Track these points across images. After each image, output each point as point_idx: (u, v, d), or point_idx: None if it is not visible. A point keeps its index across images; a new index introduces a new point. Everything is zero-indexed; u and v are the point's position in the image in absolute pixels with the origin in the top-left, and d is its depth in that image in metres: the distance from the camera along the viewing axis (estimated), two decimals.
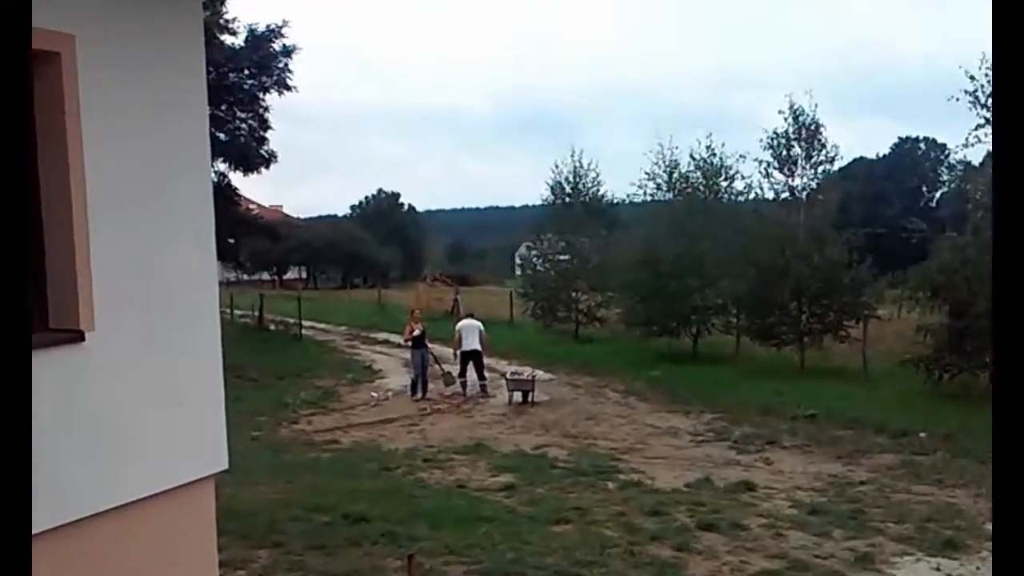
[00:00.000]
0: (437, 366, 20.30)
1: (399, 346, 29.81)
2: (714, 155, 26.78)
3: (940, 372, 18.45)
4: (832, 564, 8.37)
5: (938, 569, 8.34)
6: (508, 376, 18.92)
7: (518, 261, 44.69)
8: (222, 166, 29.22)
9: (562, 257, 31.27)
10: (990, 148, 19.24)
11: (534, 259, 32.96)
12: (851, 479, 11.90)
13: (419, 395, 19.14)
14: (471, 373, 19.65)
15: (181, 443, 5.56)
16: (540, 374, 19.86)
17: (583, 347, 27.27)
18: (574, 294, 30.28)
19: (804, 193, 23.05)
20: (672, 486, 11.38)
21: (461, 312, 37.25)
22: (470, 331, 19.90)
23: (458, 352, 19.89)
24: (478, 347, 19.69)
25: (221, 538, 6.84)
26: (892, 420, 15.37)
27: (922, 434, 14.39)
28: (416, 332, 19.76)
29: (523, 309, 31.74)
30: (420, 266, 70.35)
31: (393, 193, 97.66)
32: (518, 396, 18.49)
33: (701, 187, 26.89)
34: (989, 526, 9.65)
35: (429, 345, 20.21)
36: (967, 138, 18.74)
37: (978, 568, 8.36)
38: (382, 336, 32.91)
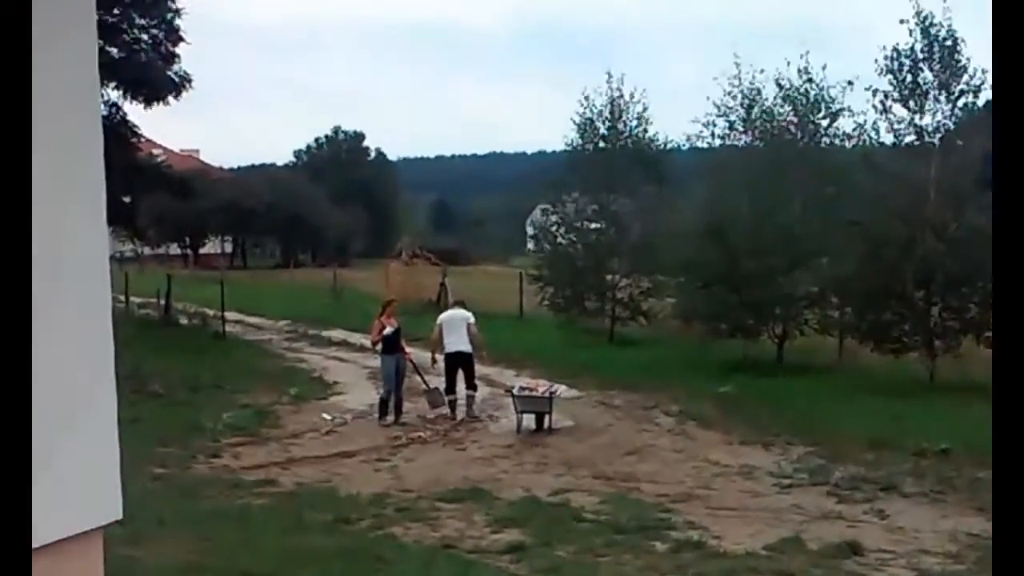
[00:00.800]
0: (418, 378, 20.38)
1: (364, 349, 29.95)
2: (810, 81, 26.23)
3: None
4: None
5: None
6: (516, 392, 18.99)
7: (531, 231, 44.82)
8: (114, 93, 29.15)
9: (593, 225, 31.42)
10: None
11: (553, 228, 33.05)
12: None
13: (391, 418, 19.28)
14: (461, 386, 19.82)
15: (55, 485, 5.55)
16: (561, 389, 19.94)
17: (622, 352, 27.38)
18: (610, 278, 30.49)
19: (937, 136, 22.89)
20: (747, 548, 11.39)
21: (450, 301, 37.48)
22: (455, 325, 20.11)
23: (438, 356, 20.17)
24: (467, 347, 19.88)
25: None
26: None
27: None
28: (388, 331, 19.83)
29: (538, 298, 31.88)
30: (392, 237, 70.67)
31: (355, 134, 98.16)
32: (530, 420, 18.62)
33: (791, 127, 26.57)
34: None
35: (407, 349, 20.29)
36: None
37: None
38: (338, 335, 33.05)
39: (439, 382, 20.18)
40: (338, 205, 79.12)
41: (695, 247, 25.31)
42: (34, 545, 5.30)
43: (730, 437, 17.97)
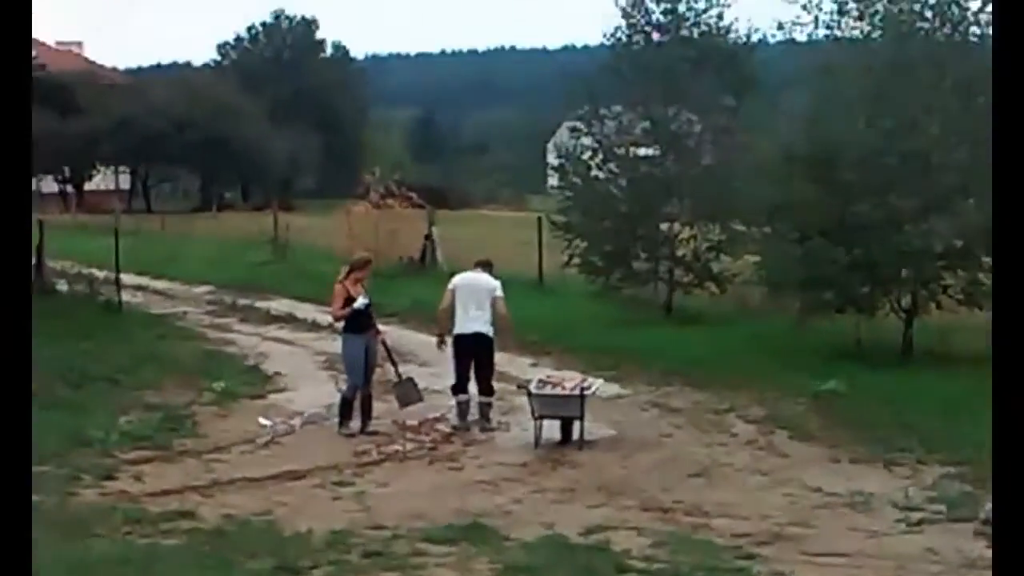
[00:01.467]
0: (391, 367, 20.40)
1: (318, 327, 30.01)
2: None
3: None
4: None
5: None
6: (535, 389, 18.99)
7: (553, 160, 44.57)
8: None
9: (644, 151, 31.39)
10: None
11: (587, 156, 32.96)
12: None
13: (356, 424, 19.32)
14: (473, 385, 20.01)
15: None
16: (598, 385, 19.94)
17: (683, 332, 27.47)
18: (667, 227, 30.54)
19: None
20: None
21: (439, 259, 37.46)
22: (476, 295, 20.05)
23: (446, 339, 20.21)
24: (487, 329, 19.95)
25: None
26: None
27: None
28: (358, 303, 19.74)
29: (564, 255, 31.84)
30: (357, 168, 70.42)
31: (304, 21, 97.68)
32: (554, 428, 18.74)
33: (927, 11, 26.37)
34: None
35: (381, 328, 20.31)
36: None
37: None
38: (281, 307, 33.27)
39: (416, 372, 20.27)
40: (280, 123, 79.10)
41: (788, 183, 25.23)
42: None
43: (836, 453, 17.99)
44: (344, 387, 19.97)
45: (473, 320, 19.73)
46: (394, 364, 20.52)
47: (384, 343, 20.33)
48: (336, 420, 19.62)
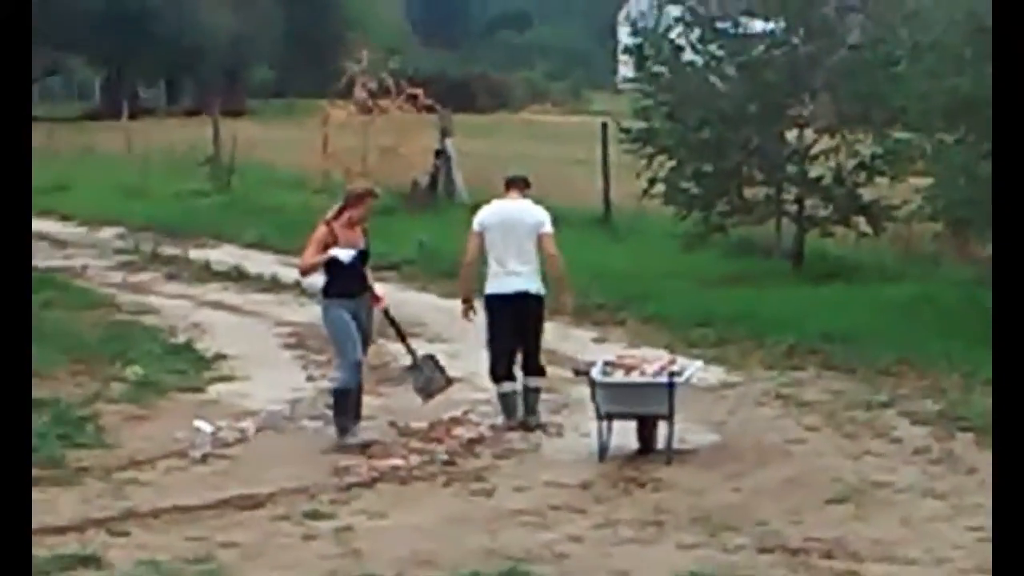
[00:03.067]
0: (403, 347, 20.51)
1: (280, 287, 30.12)
2: None
3: None
4: None
5: None
6: (599, 376, 19.01)
7: (627, 39, 44.54)
8: None
9: (761, 25, 31.36)
10: None
11: (676, 32, 32.96)
12: None
13: (350, 430, 19.44)
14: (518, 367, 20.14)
15: None
16: (694, 368, 20.00)
17: (819, 290, 27.50)
18: (794, 136, 30.45)
19: None
20: None
21: (458, 185, 37.43)
22: (512, 234, 20.06)
23: (474, 304, 20.34)
24: (536, 286, 20.01)
25: None
26: None
27: None
28: (343, 254, 19.65)
29: (643, 179, 31.85)
30: (336, 54, 70.41)
31: None
32: (628, 432, 18.79)
33: None
34: None
35: (379, 292, 20.31)
36: None
37: None
38: (225, 257, 33.31)
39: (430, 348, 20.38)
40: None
41: (979, 70, 25.15)
42: None
43: None
44: (337, 375, 19.94)
45: (514, 274, 19.68)
46: (403, 340, 20.61)
47: (386, 313, 20.40)
48: (313, 423, 19.74)
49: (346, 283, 19.50)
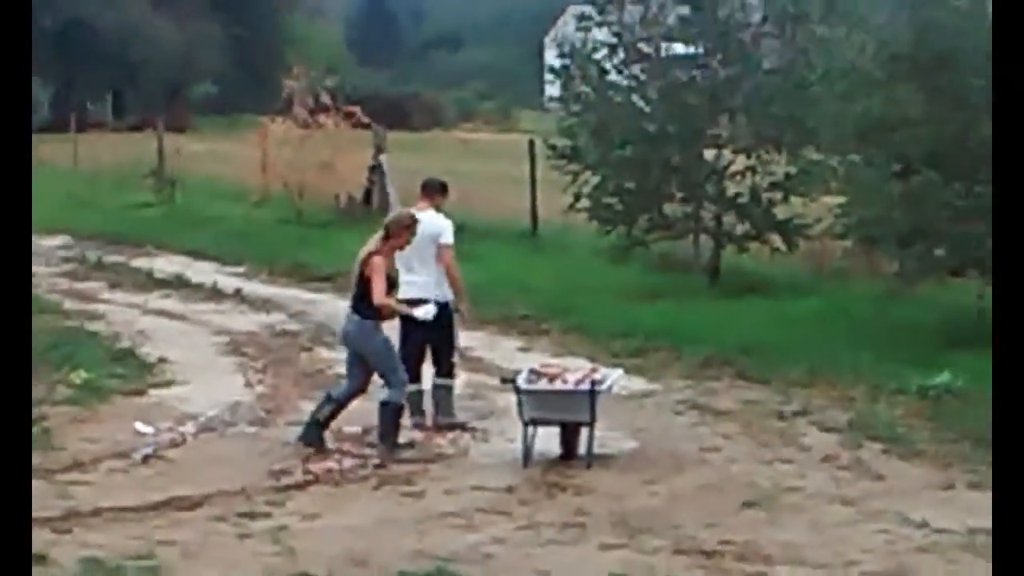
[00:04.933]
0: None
1: (223, 296, 30.09)
2: None
3: None
4: None
5: None
6: (524, 384, 19.02)
7: (554, 61, 44.73)
8: None
9: (680, 48, 31.48)
10: None
11: (600, 54, 33.04)
12: None
13: (398, 446, 19.30)
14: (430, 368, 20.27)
15: None
16: (614, 377, 19.98)
17: (734, 304, 27.58)
18: (712, 155, 30.60)
19: None
20: None
21: (392, 199, 37.45)
22: (416, 243, 19.90)
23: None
24: (438, 292, 20.06)
25: None
26: None
27: None
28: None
29: (569, 194, 31.91)
30: (276, 72, 70.33)
31: None
32: (552, 438, 18.81)
33: None
34: None
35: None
36: None
37: None
38: (170, 264, 33.28)
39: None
40: (168, 6, 79.15)
41: (887, 93, 25.28)
42: None
43: (950, 475, 18.09)
44: (388, 392, 19.42)
45: (414, 282, 19.86)
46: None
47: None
48: (250, 427, 19.73)
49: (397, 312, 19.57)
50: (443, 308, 19.82)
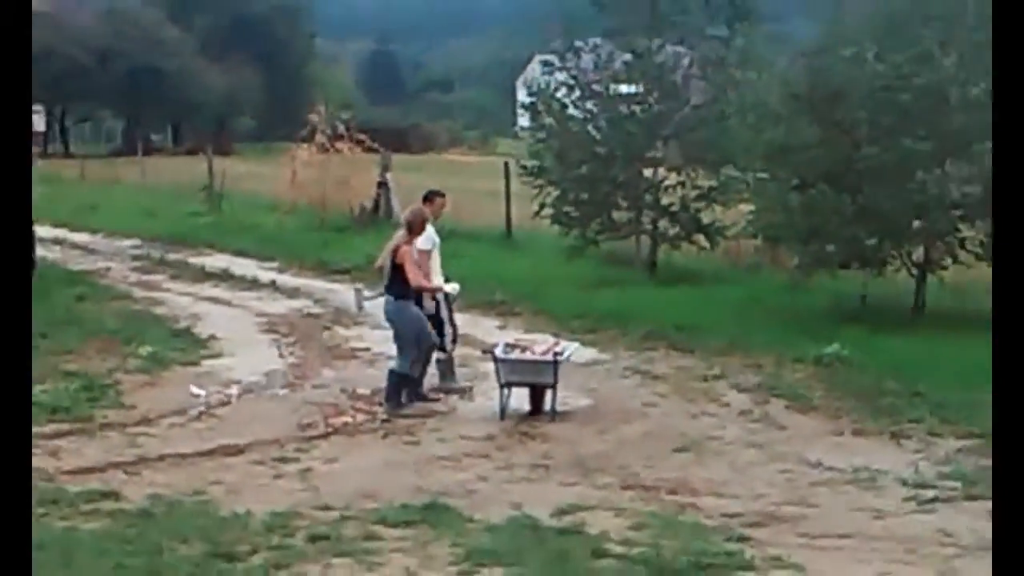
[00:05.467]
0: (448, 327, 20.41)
1: (260, 285, 30.01)
2: None
3: None
4: None
5: None
6: (500, 354, 19.01)
7: (524, 98, 44.60)
8: None
9: (625, 88, 31.42)
10: None
11: (561, 92, 33.00)
12: None
13: (401, 404, 19.18)
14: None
15: None
16: (572, 349, 19.95)
17: (669, 292, 27.58)
18: (652, 172, 30.54)
19: None
20: None
21: (395, 209, 37.35)
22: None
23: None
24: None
25: None
26: None
27: None
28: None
29: (535, 204, 31.83)
30: (302, 108, 70.01)
31: None
32: (523, 398, 18.80)
33: None
34: None
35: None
36: None
37: None
38: (218, 261, 33.17)
39: (372, 336, 20.27)
40: (215, 56, 78.96)
41: (789, 125, 25.27)
42: None
43: (839, 424, 18.17)
44: (400, 361, 19.40)
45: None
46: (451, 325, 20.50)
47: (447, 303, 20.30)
48: (283, 390, 19.73)
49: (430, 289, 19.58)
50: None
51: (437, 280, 19.94)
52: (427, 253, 19.90)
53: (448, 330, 19.95)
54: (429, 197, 20.98)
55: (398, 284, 19.16)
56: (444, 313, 20.00)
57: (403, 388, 19.09)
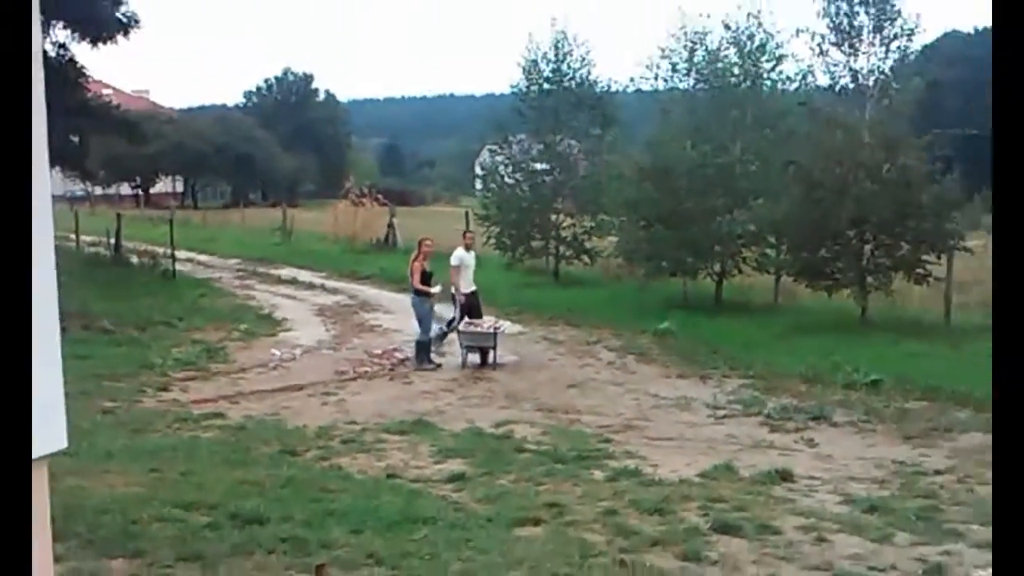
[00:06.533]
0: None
1: (313, 287, 29.97)
2: (759, 25, 25.69)
3: None
4: None
5: None
6: (462, 328, 19.04)
7: (479, 171, 44.66)
8: (61, 33, 28.52)
9: (539, 166, 31.47)
10: None
11: (500, 168, 33.05)
12: (923, 467, 12.16)
13: (425, 360, 18.96)
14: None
15: None
16: (506, 325, 19.99)
17: (566, 291, 27.55)
18: (555, 217, 30.52)
19: (872, 80, 23.03)
20: (681, 476, 11.57)
21: (399, 240, 37.34)
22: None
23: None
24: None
25: (59, 543, 6.85)
26: (982, 388, 15.56)
27: None
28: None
29: (484, 237, 31.81)
30: (341, 177, 70.11)
31: (304, 76, 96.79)
32: (475, 356, 18.76)
33: (735, 70, 26.06)
34: None
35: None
36: None
37: None
38: (288, 273, 33.07)
39: (382, 319, 20.19)
40: (287, 147, 78.72)
41: (638, 187, 25.33)
42: None
43: (668, 371, 18.24)
44: (419, 335, 19.19)
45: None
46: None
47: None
48: (329, 351, 19.64)
49: (428, 292, 19.09)
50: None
51: (464, 286, 19.81)
52: (456, 269, 19.84)
53: (454, 316, 19.79)
54: (465, 234, 21.39)
55: (413, 286, 19.28)
56: (456, 310, 19.77)
57: (420, 352, 18.86)
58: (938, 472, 11.97)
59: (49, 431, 5.71)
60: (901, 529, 9.82)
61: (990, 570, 8.83)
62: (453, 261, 19.99)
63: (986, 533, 9.79)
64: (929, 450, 13.02)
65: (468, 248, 20.46)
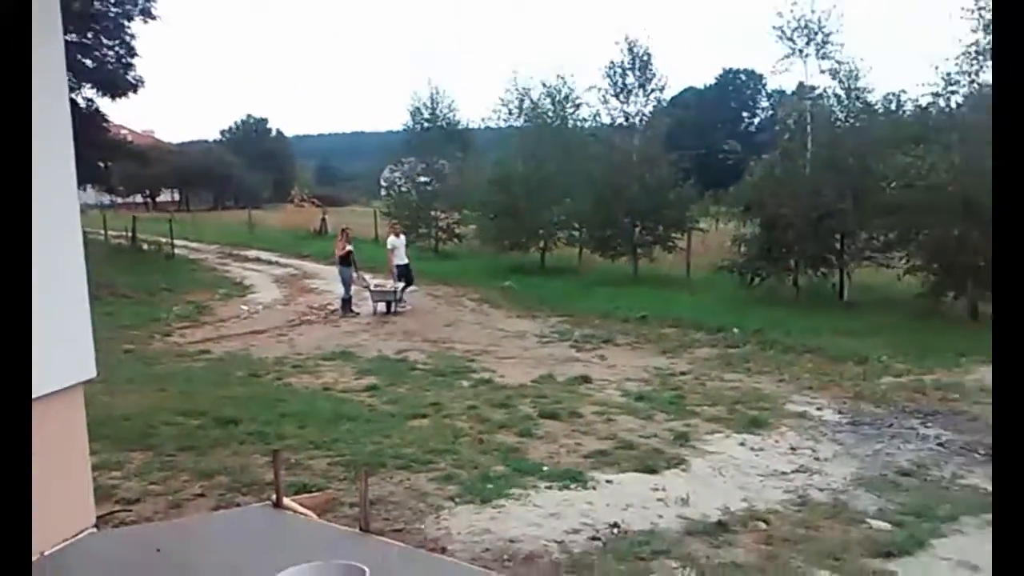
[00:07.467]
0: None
1: (269, 263, 29.15)
2: (564, 83, 26.51)
3: (752, 276, 19.45)
4: (654, 443, 8.82)
5: (743, 444, 8.90)
6: (372, 288, 18.72)
7: (383, 183, 43.88)
8: (90, 92, 28.05)
9: (422, 179, 31.04)
10: (799, 79, 20.31)
11: (397, 181, 32.62)
12: (673, 370, 12.48)
13: (353, 311, 18.33)
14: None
15: (42, 350, 5.22)
16: (401, 285, 19.66)
17: (443, 262, 27.26)
18: (434, 213, 30.18)
19: (638, 119, 23.54)
20: (519, 382, 11.62)
21: (328, 229, 36.51)
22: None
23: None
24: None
25: (95, 443, 6.57)
26: (710, 319, 16.14)
27: (735, 330, 15.23)
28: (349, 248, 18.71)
29: (387, 227, 31.37)
30: (289, 188, 68.01)
31: (261, 119, 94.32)
32: (382, 307, 18.40)
33: (550, 113, 26.72)
34: (789, 406, 10.35)
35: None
36: (774, 66, 19.94)
37: (776, 441, 8.97)
38: (253, 254, 31.98)
39: (317, 284, 19.74)
40: (251, 168, 75.98)
41: (488, 192, 25.33)
42: (37, 394, 5.01)
43: (511, 313, 18.20)
44: (343, 293, 18.52)
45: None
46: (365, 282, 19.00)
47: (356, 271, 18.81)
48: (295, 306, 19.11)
49: (347, 261, 18.41)
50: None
51: (398, 260, 19.16)
52: (392, 250, 19.30)
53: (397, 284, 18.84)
54: (393, 225, 21.27)
55: (339, 258, 18.68)
56: (394, 279, 18.90)
57: (344, 305, 18.42)
58: (683, 373, 12.32)
59: (81, 363, 5.48)
60: (660, 411, 10.09)
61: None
62: (388, 245, 19.55)
63: (713, 411, 10.14)
64: (676, 359, 13.37)
65: (397, 235, 20.02)
